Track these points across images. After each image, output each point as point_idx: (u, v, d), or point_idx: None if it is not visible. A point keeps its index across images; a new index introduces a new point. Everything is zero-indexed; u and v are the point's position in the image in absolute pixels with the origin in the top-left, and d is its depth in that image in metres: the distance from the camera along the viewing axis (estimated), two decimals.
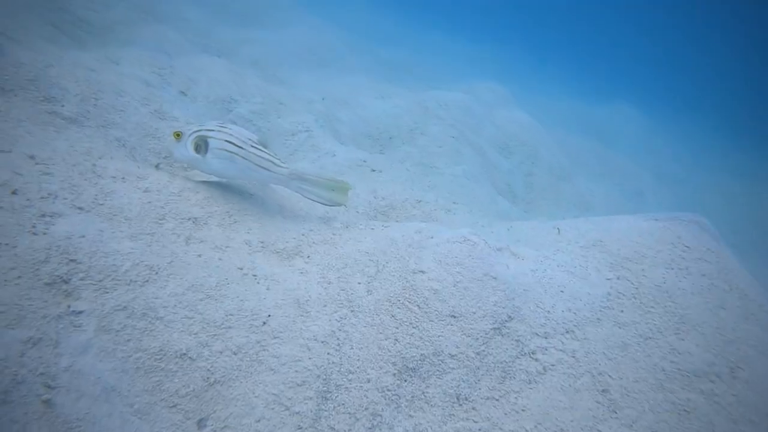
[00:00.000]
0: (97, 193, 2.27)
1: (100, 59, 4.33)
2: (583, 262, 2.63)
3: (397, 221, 3.86)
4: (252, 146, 2.49)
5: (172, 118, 3.70)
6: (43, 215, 2.02)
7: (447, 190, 4.75)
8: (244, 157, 2.48)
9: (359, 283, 2.30)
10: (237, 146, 2.46)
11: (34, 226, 1.96)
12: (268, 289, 2.26)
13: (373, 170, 4.39)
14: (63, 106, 2.79)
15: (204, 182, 2.91)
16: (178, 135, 2.53)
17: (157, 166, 3.23)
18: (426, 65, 11.36)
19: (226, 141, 2.47)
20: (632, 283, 2.52)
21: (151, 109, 3.61)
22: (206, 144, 2.48)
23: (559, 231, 2.95)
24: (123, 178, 2.49)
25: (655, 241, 2.72)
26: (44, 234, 1.95)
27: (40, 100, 2.70)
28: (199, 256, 2.28)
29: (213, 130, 2.48)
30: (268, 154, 2.52)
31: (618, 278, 2.55)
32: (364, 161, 4.47)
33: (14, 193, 2.04)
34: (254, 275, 2.31)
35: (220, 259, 2.32)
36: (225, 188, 2.78)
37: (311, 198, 2.65)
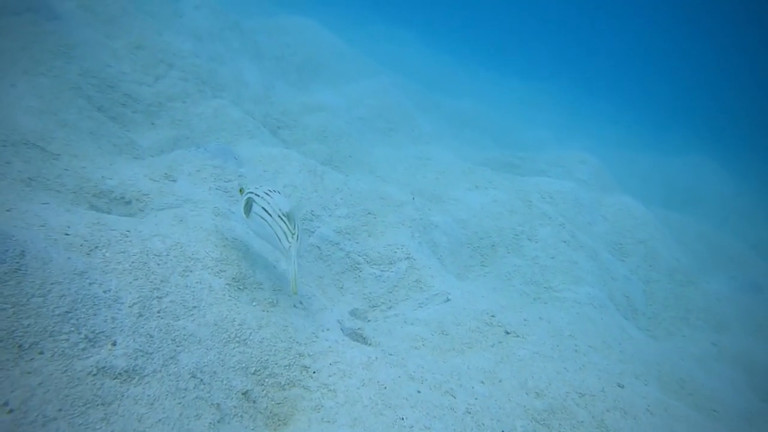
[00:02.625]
0: None
1: (154, 176, 3.34)
2: None
3: None
4: (278, 216, 2.53)
5: (255, 285, 2.66)
6: None
7: (587, 344, 3.61)
8: (270, 225, 2.53)
9: None
10: (269, 214, 2.53)
11: None
12: None
13: (508, 332, 3.29)
14: (114, 345, 1.75)
15: None
16: (241, 191, 2.69)
17: (245, 394, 2.18)
18: (494, 118, 10.28)
19: (263, 208, 2.54)
20: None
21: (228, 279, 2.58)
22: (250, 206, 2.59)
23: None
24: None
25: None
26: None
27: (80, 349, 1.66)
28: None
29: (259, 195, 2.58)
30: (286, 226, 2.53)
31: None
32: (493, 316, 3.37)
33: None
34: None
35: None
36: None
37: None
